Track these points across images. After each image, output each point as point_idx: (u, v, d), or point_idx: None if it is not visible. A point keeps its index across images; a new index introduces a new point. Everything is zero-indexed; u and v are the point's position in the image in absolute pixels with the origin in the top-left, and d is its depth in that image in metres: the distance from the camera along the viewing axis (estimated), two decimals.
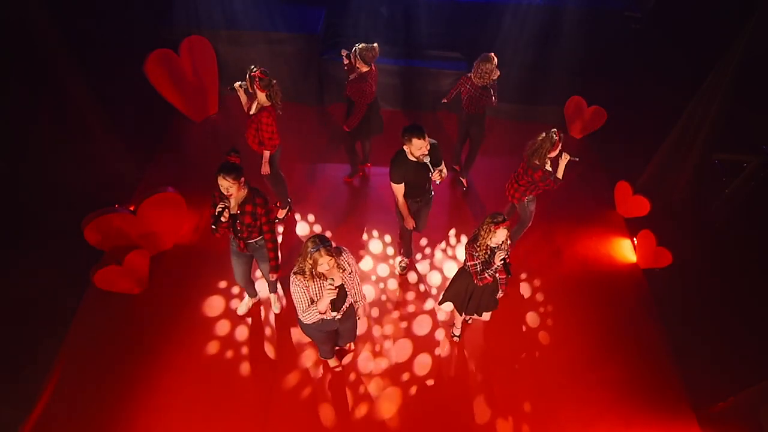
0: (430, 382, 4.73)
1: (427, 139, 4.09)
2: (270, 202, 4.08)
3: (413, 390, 4.66)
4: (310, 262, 3.23)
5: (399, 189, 4.45)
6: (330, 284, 3.29)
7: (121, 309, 5.00)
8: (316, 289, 3.42)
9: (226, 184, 3.70)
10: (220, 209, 3.75)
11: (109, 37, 5.43)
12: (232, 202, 3.88)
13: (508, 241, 3.92)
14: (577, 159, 4.60)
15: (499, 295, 4.35)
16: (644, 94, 6.28)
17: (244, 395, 4.53)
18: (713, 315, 4.65)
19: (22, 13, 4.20)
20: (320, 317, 3.51)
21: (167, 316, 5.01)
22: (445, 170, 4.27)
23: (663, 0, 6.47)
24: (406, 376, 4.75)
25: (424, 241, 5.88)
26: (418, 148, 4.10)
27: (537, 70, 7.10)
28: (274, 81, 4.69)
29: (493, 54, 5.33)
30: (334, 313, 3.64)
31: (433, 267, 5.67)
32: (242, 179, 3.77)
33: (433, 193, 4.85)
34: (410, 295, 5.38)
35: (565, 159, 4.64)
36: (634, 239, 6.01)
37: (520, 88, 5.66)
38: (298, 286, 3.40)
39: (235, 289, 5.26)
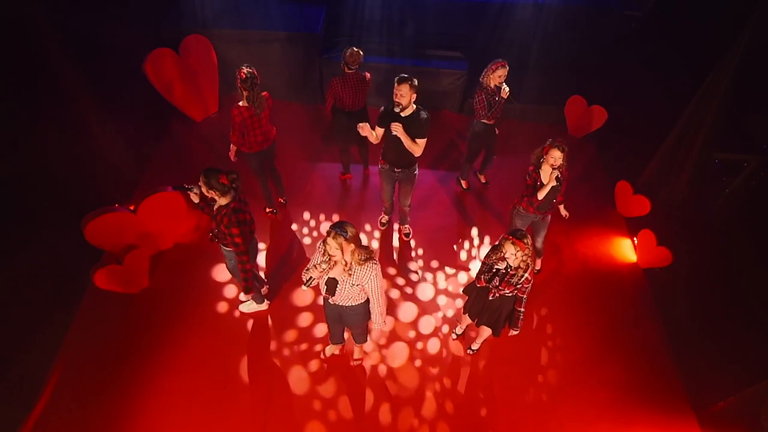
0: (428, 383, 4.73)
1: (405, 89, 4.31)
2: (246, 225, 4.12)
3: (412, 390, 4.66)
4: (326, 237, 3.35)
5: (378, 132, 4.72)
6: (324, 262, 3.44)
7: (121, 308, 5.00)
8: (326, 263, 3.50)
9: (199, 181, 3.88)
10: (189, 187, 4.00)
11: (110, 36, 5.43)
12: (215, 206, 4.04)
13: (520, 262, 3.78)
14: (557, 184, 4.55)
15: (513, 332, 4.30)
16: (644, 94, 6.29)
17: (244, 395, 4.53)
18: (713, 314, 4.65)
19: (21, 12, 4.19)
20: (312, 280, 3.53)
21: (167, 316, 5.00)
22: (419, 144, 4.57)
23: (663, 0, 6.48)
24: (405, 376, 4.75)
25: (422, 242, 5.90)
26: (398, 96, 4.36)
27: (537, 70, 7.11)
28: (257, 89, 4.72)
29: (502, 61, 5.28)
30: (328, 294, 3.68)
31: (430, 268, 5.69)
32: (209, 195, 3.86)
33: (417, 171, 5.02)
34: (410, 294, 5.39)
35: (552, 177, 4.55)
36: (635, 239, 6.01)
37: (520, 87, 5.72)
38: (318, 248, 3.56)
39: (235, 289, 5.27)
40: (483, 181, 6.62)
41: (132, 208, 5.01)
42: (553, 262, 5.80)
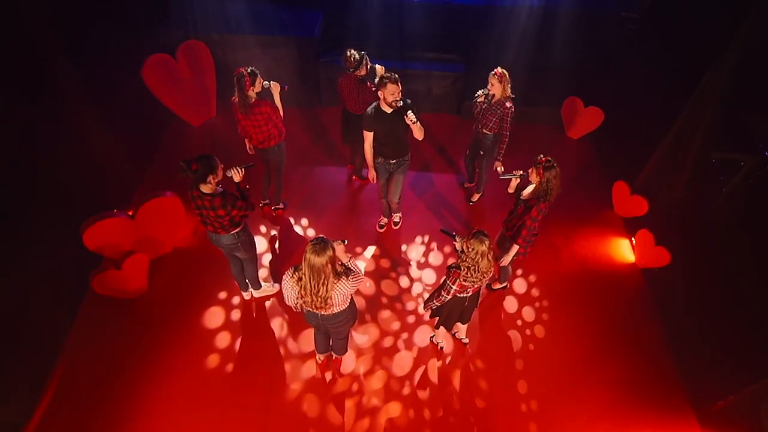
0: (429, 383, 4.73)
1: (400, 85, 4.51)
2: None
3: (412, 391, 4.67)
4: None
5: (368, 136, 4.89)
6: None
7: (121, 313, 5.00)
8: None
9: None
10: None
11: (108, 41, 5.45)
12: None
13: (465, 256, 3.70)
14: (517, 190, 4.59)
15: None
16: (641, 94, 6.30)
17: (243, 397, 4.53)
18: (712, 313, 4.65)
19: (21, 17, 4.21)
20: None
21: (166, 320, 5.01)
22: (420, 126, 4.67)
23: (659, 1, 6.49)
24: (404, 377, 4.75)
25: (417, 244, 5.91)
26: (391, 93, 4.52)
27: (534, 72, 7.12)
28: (242, 92, 4.84)
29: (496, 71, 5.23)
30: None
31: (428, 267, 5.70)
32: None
33: (409, 158, 5.17)
34: (409, 297, 5.40)
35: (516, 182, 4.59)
36: (633, 239, 6.02)
37: (518, 89, 5.73)
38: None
39: (235, 290, 5.28)
40: (472, 200, 6.42)
41: (130, 213, 5.02)
42: (552, 262, 5.81)
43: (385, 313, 5.22)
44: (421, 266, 5.69)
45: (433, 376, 4.78)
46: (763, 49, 4.50)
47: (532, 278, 5.65)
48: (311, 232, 5.94)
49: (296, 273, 3.45)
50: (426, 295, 5.36)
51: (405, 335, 5.06)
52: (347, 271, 3.54)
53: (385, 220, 5.98)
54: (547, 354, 5.00)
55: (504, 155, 5.51)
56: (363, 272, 3.70)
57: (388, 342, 5.00)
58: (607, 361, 4.95)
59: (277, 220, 6.04)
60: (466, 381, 4.78)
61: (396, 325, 5.14)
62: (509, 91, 5.23)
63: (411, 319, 5.20)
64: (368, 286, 5.44)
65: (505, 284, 5.46)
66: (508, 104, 5.23)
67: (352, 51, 5.31)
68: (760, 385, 3.96)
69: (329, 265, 3.31)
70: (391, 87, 4.49)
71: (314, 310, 3.59)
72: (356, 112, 5.60)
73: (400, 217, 6.01)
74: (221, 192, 4.07)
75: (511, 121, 5.32)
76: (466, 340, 4.98)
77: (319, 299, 3.43)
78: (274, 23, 6.89)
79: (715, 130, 5.02)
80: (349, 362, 4.82)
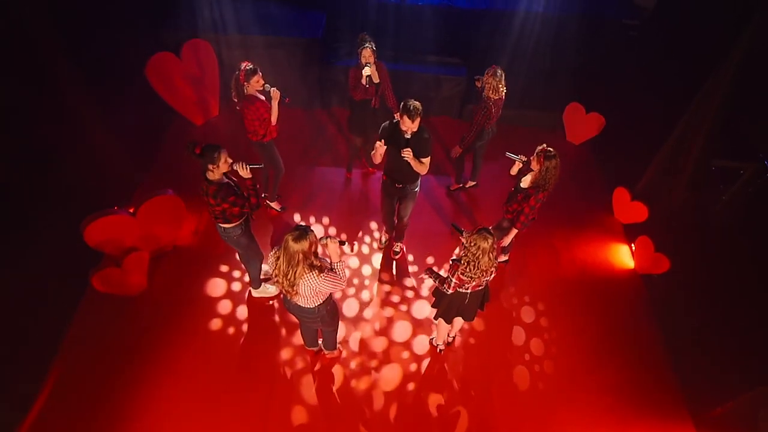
0: (429, 385, 4.74)
1: (416, 123, 4.33)
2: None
3: (412, 392, 4.67)
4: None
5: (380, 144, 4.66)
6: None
7: (120, 311, 5.00)
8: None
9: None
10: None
11: (111, 40, 5.45)
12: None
13: (467, 251, 3.74)
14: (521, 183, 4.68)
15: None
16: (642, 101, 6.31)
17: (244, 396, 4.53)
18: (711, 320, 4.67)
19: (23, 16, 4.21)
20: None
21: (166, 318, 5.01)
22: (425, 163, 4.56)
23: (661, 8, 6.51)
24: (405, 378, 4.76)
25: (419, 247, 5.92)
26: (404, 124, 4.38)
27: (536, 77, 7.14)
28: (239, 88, 4.95)
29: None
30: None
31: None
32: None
33: (418, 189, 4.99)
34: (409, 298, 5.40)
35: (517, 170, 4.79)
36: (632, 245, 6.03)
37: (520, 94, 5.73)
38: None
39: (235, 290, 5.28)
40: (466, 186, 6.60)
41: (132, 210, 5.02)
42: (552, 267, 5.82)
43: (385, 315, 5.24)
44: (418, 268, 5.70)
45: (433, 379, 4.79)
46: (764, 56, 4.52)
47: (532, 283, 5.65)
48: None
49: (277, 252, 3.54)
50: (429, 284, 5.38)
51: (404, 337, 5.08)
52: (325, 269, 3.57)
53: (387, 236, 5.82)
54: (545, 359, 5.01)
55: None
56: (345, 280, 3.72)
57: (387, 343, 5.01)
58: (606, 367, 4.96)
59: (277, 220, 6.04)
60: (465, 384, 4.79)
61: (395, 326, 5.15)
62: (493, 94, 5.27)
63: (411, 320, 5.22)
64: (366, 285, 5.47)
65: (506, 258, 5.62)
66: (485, 106, 5.32)
67: (365, 37, 5.32)
68: (758, 392, 3.97)
69: (301, 254, 3.38)
70: (404, 120, 4.31)
71: (284, 294, 3.66)
72: (354, 97, 5.62)
73: (400, 247, 5.80)
74: (222, 183, 4.11)
75: (480, 122, 5.42)
76: (447, 340, 5.00)
77: (287, 282, 3.50)
78: (278, 24, 6.90)
79: (716, 137, 5.04)
80: (348, 361, 4.84)
